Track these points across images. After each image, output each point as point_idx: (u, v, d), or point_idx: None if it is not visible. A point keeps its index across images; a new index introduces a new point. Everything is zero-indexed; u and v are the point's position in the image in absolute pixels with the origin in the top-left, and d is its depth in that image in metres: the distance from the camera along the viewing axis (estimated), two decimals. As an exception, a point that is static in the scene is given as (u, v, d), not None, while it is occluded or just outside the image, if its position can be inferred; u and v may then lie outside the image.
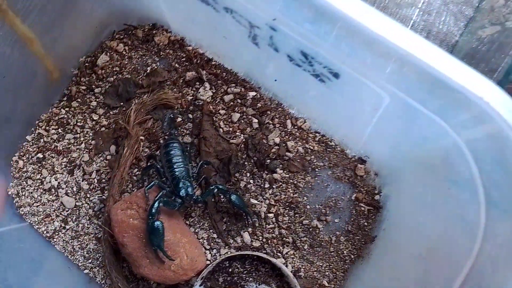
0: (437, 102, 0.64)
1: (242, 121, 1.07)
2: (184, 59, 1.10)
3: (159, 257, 0.89)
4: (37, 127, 1.08)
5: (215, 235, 1.01)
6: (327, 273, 0.99)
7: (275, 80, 0.98)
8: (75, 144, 1.07)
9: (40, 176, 1.05)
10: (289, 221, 1.01)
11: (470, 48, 1.08)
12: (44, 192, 1.04)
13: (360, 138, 0.95)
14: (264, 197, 1.02)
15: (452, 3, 1.11)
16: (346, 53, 0.65)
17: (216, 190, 0.96)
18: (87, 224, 1.02)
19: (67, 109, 1.09)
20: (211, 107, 1.07)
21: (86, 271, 1.00)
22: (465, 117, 0.61)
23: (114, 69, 1.10)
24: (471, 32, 1.09)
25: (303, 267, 0.99)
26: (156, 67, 1.10)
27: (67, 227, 1.02)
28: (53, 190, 1.04)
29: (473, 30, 1.08)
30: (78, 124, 1.07)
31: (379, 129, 0.85)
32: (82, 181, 1.04)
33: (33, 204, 1.04)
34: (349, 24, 0.58)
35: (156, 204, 0.89)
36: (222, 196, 1.00)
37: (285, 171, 1.04)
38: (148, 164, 1.01)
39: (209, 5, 0.81)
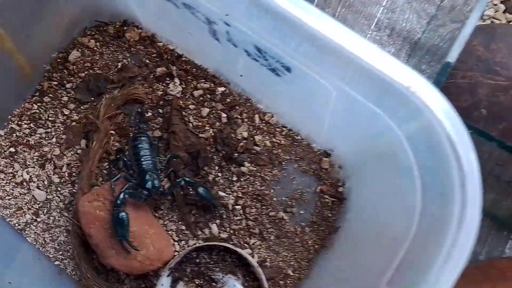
0: (378, 97, 0.67)
1: (211, 115, 1.09)
2: (154, 55, 1.12)
3: (124, 247, 0.92)
4: (10, 122, 1.10)
5: (183, 227, 1.03)
6: (292, 263, 1.02)
7: (241, 76, 1.01)
8: (47, 138, 1.08)
9: (12, 170, 1.07)
10: (256, 213, 1.04)
11: (432, 45, 1.11)
12: (16, 185, 1.06)
13: (321, 132, 0.98)
14: (232, 189, 1.05)
15: (415, 1, 1.14)
16: (292, 47, 0.68)
17: (183, 182, 0.99)
18: (58, 217, 1.04)
19: (39, 104, 1.10)
20: (181, 102, 1.09)
21: (56, 262, 1.02)
22: (404, 112, 0.65)
23: (86, 65, 1.11)
24: (433, 30, 1.12)
25: (269, 257, 1.02)
26: (127, 62, 1.12)
27: (39, 219, 1.04)
28: (25, 183, 1.06)
29: (435, 28, 1.12)
30: (50, 118, 1.09)
31: (336, 123, 0.88)
32: (53, 174, 1.06)
33: (5, 197, 1.05)
34: (290, 20, 0.62)
35: (121, 196, 0.91)
36: (190, 189, 1.03)
37: (252, 165, 1.06)
38: (117, 157, 1.04)
39: (169, 1, 0.83)
